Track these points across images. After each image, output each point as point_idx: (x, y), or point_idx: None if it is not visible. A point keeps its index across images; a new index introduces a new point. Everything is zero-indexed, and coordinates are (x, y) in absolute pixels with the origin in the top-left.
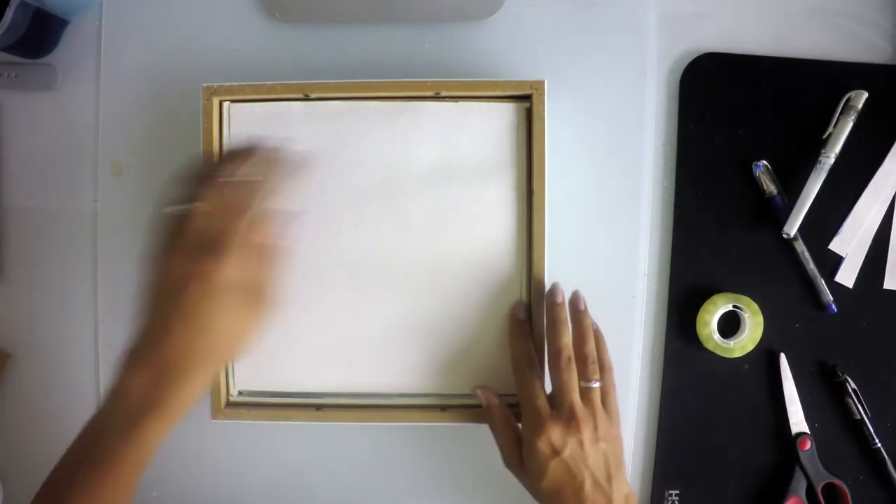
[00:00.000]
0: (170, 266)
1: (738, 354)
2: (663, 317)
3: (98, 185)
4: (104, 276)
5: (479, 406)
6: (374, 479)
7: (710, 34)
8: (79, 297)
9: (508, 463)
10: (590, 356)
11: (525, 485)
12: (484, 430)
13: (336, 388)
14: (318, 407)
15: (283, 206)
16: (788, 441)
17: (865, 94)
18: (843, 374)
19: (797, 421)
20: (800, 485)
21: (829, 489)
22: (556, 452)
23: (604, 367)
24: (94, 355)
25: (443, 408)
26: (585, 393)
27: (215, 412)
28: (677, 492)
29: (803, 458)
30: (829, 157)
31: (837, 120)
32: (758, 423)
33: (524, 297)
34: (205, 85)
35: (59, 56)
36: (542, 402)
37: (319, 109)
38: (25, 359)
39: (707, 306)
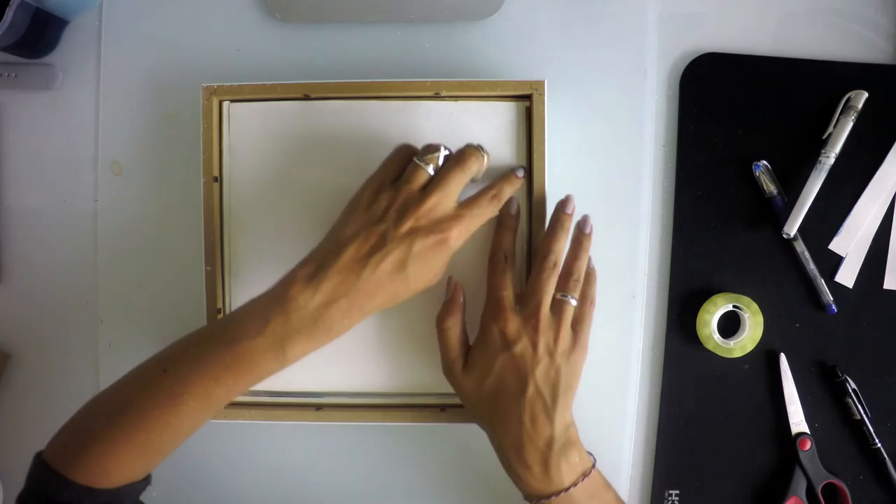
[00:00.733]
0: (409, 211)
1: (738, 354)
2: (663, 317)
3: (98, 185)
4: (104, 276)
5: None
6: (373, 479)
7: (710, 34)
8: (79, 297)
9: (450, 366)
10: (575, 273)
11: (464, 392)
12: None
13: (336, 388)
14: (318, 407)
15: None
16: (788, 441)
17: (865, 94)
18: (843, 374)
19: (797, 421)
20: (800, 485)
21: (829, 489)
22: (507, 344)
23: (585, 297)
24: (94, 355)
25: (443, 408)
26: (558, 304)
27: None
28: (677, 492)
29: (803, 458)
30: (829, 157)
31: (837, 120)
32: (758, 423)
33: None
34: (205, 85)
35: (59, 56)
36: (508, 294)
37: (319, 109)
38: (25, 359)
39: (707, 306)
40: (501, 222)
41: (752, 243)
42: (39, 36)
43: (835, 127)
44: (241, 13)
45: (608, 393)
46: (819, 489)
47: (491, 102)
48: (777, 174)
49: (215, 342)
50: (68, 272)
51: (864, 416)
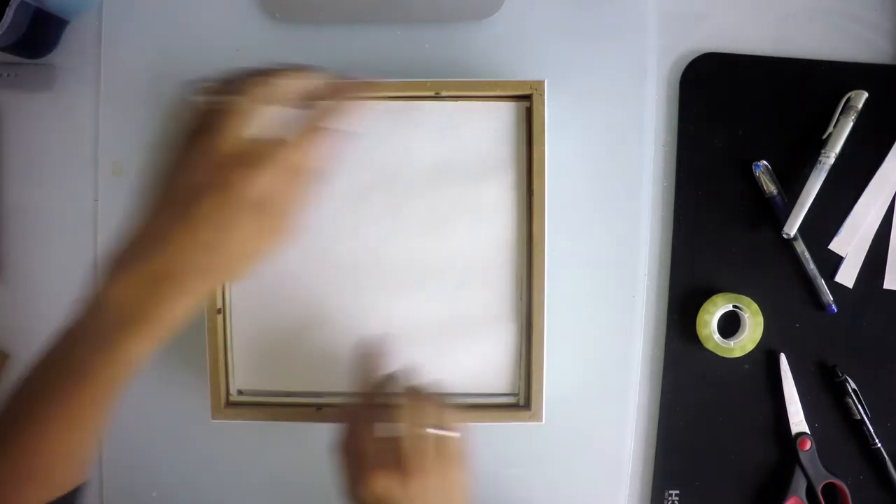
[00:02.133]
0: (189, 168)
1: (738, 354)
2: (663, 317)
3: (98, 185)
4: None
5: (478, 406)
6: None
7: (710, 34)
8: (79, 297)
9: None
10: (430, 399)
11: None
12: (483, 430)
13: (336, 388)
14: (318, 407)
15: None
16: (788, 441)
17: (865, 94)
18: (843, 374)
19: (797, 421)
20: (800, 485)
21: (829, 489)
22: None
23: (443, 413)
24: None
25: None
26: (420, 438)
27: (215, 412)
28: (677, 492)
29: (803, 458)
30: (829, 157)
31: (837, 120)
32: (758, 423)
33: (524, 297)
34: (205, 85)
35: (59, 56)
36: (369, 447)
37: None
38: (25, 359)
39: (707, 306)
40: (356, 366)
41: (752, 243)
42: (39, 36)
43: (835, 127)
44: (240, 13)
45: (608, 393)
46: (819, 489)
47: (491, 102)
48: (777, 174)
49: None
50: (68, 272)
51: (864, 416)
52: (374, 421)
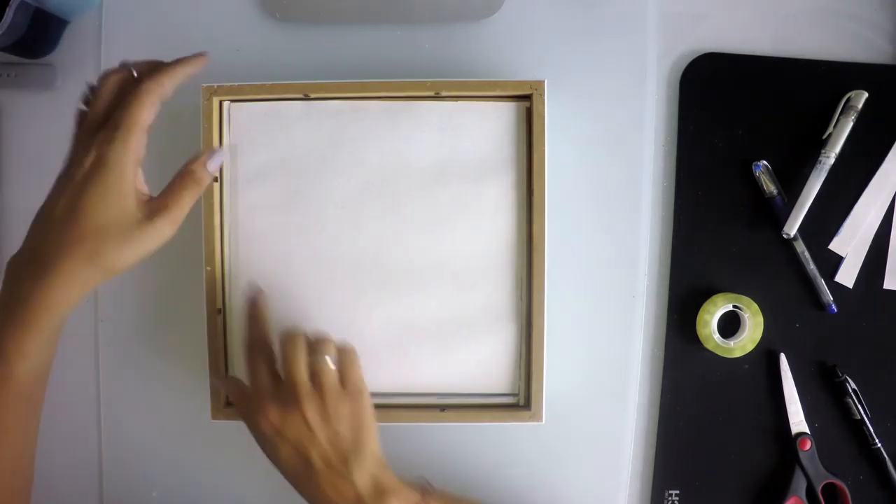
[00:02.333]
0: (70, 153)
1: (738, 354)
2: (663, 317)
3: None
4: None
5: (478, 406)
6: None
7: (710, 34)
8: None
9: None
10: (323, 335)
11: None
12: (483, 430)
13: None
14: None
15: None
16: (788, 441)
17: (865, 94)
18: (843, 374)
19: (797, 421)
20: (800, 485)
21: (829, 489)
22: (279, 433)
23: (341, 349)
24: (94, 355)
25: (442, 408)
26: (315, 369)
27: (215, 412)
28: (677, 492)
29: (803, 458)
30: (829, 157)
31: (837, 120)
32: (758, 423)
33: (524, 297)
34: (205, 85)
35: (59, 56)
36: (264, 383)
37: (319, 109)
38: None
39: (707, 306)
40: (246, 313)
41: (752, 243)
42: (39, 36)
43: (835, 127)
44: (240, 13)
45: (608, 393)
46: (819, 489)
47: (491, 102)
48: (777, 174)
49: None
50: None
51: (864, 416)
52: (265, 359)
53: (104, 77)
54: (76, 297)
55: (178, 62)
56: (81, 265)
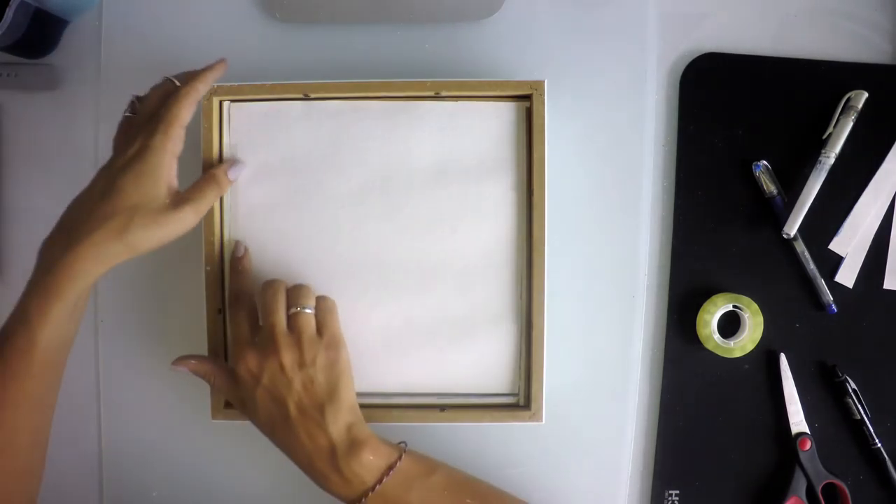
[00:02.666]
0: (115, 149)
1: (738, 354)
2: (663, 317)
3: None
4: (104, 277)
5: (478, 406)
6: None
7: (710, 34)
8: None
9: (239, 408)
10: (301, 284)
11: (257, 427)
12: (483, 430)
13: None
14: None
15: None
16: (788, 441)
17: (865, 94)
18: (843, 374)
19: (797, 421)
20: (800, 485)
21: (829, 489)
22: (256, 378)
23: (319, 298)
24: (95, 355)
25: (442, 408)
26: (294, 318)
27: (215, 412)
28: (677, 492)
29: (803, 458)
30: (829, 157)
31: (837, 120)
32: (758, 423)
33: (524, 297)
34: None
35: (59, 56)
36: (243, 330)
37: (319, 109)
38: None
39: (707, 306)
40: (231, 267)
41: (752, 243)
42: (39, 36)
43: (835, 127)
44: (240, 13)
45: (608, 393)
46: (819, 489)
47: (491, 102)
48: (777, 174)
49: None
50: None
51: (864, 416)
52: (247, 311)
53: (151, 89)
54: (100, 269)
55: (207, 69)
56: (110, 239)
